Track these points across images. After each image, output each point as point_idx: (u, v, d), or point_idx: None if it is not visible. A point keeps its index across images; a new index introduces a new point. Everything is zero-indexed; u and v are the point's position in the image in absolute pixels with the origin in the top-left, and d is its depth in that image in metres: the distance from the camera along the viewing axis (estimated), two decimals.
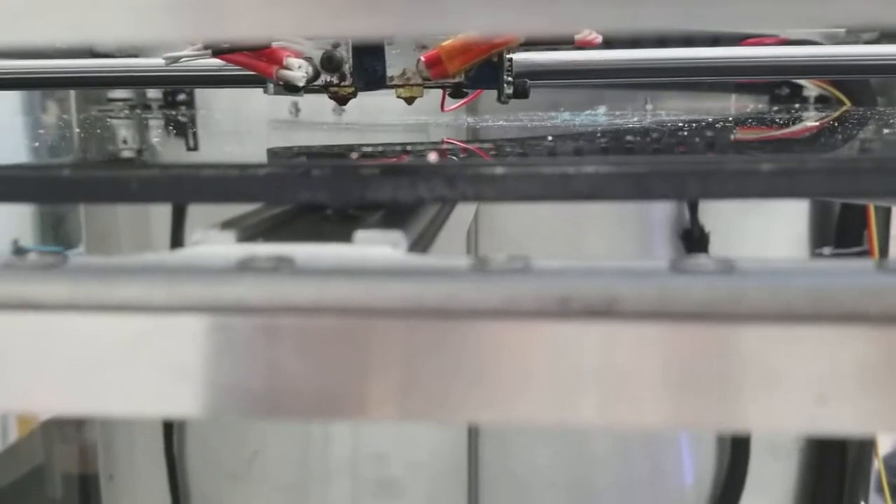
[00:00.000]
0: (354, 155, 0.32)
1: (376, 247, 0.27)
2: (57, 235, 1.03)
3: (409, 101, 0.46)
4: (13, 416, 0.97)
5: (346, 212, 0.33)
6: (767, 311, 0.21)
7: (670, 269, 0.22)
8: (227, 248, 0.27)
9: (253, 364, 0.22)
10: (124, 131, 0.61)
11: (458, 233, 0.39)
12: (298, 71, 0.42)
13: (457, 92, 0.48)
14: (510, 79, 0.47)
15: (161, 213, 0.79)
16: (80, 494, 1.04)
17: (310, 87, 0.44)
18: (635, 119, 0.59)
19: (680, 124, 0.49)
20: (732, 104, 0.84)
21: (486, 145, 0.44)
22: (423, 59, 0.43)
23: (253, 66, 0.43)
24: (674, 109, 0.79)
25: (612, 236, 0.86)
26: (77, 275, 0.23)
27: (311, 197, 0.27)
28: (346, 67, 0.44)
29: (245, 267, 0.24)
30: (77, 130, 0.61)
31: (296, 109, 0.78)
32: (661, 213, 0.84)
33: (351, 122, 0.75)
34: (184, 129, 0.65)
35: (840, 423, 0.21)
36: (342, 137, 0.70)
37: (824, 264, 0.23)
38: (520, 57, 0.49)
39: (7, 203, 0.29)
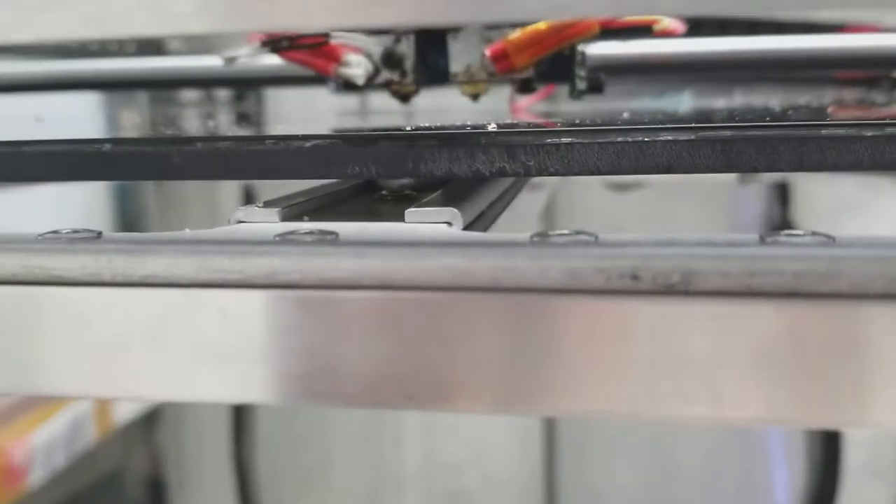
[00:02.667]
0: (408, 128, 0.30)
1: (428, 225, 0.25)
2: (130, 222, 1.04)
3: (475, 97, 0.44)
4: (90, 418, 0.98)
5: (402, 192, 0.31)
6: (873, 288, 0.18)
7: (759, 242, 0.19)
8: (268, 225, 0.25)
9: (288, 343, 0.20)
10: (194, 124, 0.60)
11: (523, 219, 0.37)
12: (358, 68, 0.41)
13: (525, 87, 0.45)
14: (583, 73, 0.44)
15: (231, 197, 0.79)
16: (150, 501, 1.04)
17: (371, 85, 0.42)
18: (722, 103, 0.56)
19: (770, 106, 0.45)
20: (827, 99, 0.79)
21: (556, 120, 0.41)
22: (488, 53, 0.40)
23: (312, 63, 0.41)
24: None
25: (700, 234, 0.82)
26: (105, 249, 0.21)
27: (360, 171, 0.25)
28: (408, 63, 0.42)
29: (284, 240, 0.22)
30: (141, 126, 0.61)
31: (363, 112, 0.76)
32: (751, 212, 0.80)
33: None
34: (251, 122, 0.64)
35: None
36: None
37: None
38: (594, 50, 0.46)
39: (47, 182, 0.27)
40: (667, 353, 0.19)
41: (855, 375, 0.18)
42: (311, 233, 0.22)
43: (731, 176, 0.65)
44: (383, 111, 0.77)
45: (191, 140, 0.27)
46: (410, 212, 0.25)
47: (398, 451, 0.88)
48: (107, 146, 0.27)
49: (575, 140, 0.24)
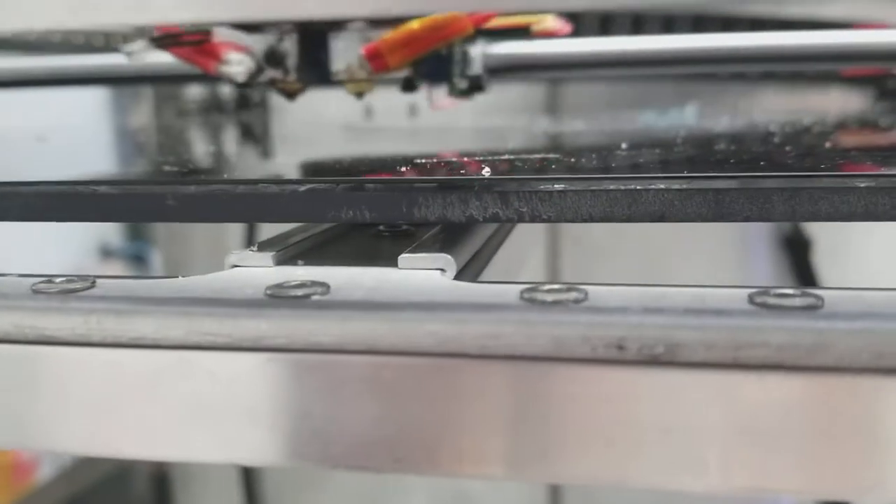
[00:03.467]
0: (402, 168, 0.30)
1: (421, 272, 0.25)
2: (141, 232, 1.05)
3: (359, 96, 0.45)
4: None
5: (399, 228, 0.31)
6: (858, 361, 0.18)
7: (748, 304, 0.19)
8: (262, 270, 0.25)
9: (276, 405, 0.20)
10: (198, 137, 0.60)
11: (522, 253, 0.37)
12: (239, 66, 0.41)
13: (408, 86, 0.45)
14: (474, 73, 0.44)
15: None
16: (156, 499, 1.05)
17: (254, 83, 0.43)
18: (724, 121, 0.55)
19: (771, 129, 0.45)
20: (835, 98, 0.79)
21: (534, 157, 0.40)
22: (363, 52, 0.41)
23: (195, 60, 0.41)
24: (768, 108, 0.74)
25: (709, 244, 0.82)
26: (96, 309, 0.21)
27: (354, 215, 0.25)
28: (291, 62, 0.42)
29: (273, 295, 0.22)
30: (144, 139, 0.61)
31: (368, 112, 0.76)
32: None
33: (420, 126, 0.73)
34: (256, 135, 0.64)
35: None
36: (408, 144, 0.68)
37: None
38: (489, 50, 0.45)
39: (46, 221, 0.27)
40: (652, 423, 0.19)
41: (840, 447, 0.18)
42: (302, 284, 0.22)
43: None
44: (387, 111, 0.77)
45: (185, 182, 0.27)
46: (404, 258, 0.25)
47: None
48: (102, 188, 0.27)
49: (568, 188, 0.24)
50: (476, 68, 0.44)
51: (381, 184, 0.26)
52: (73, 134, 0.57)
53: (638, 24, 0.80)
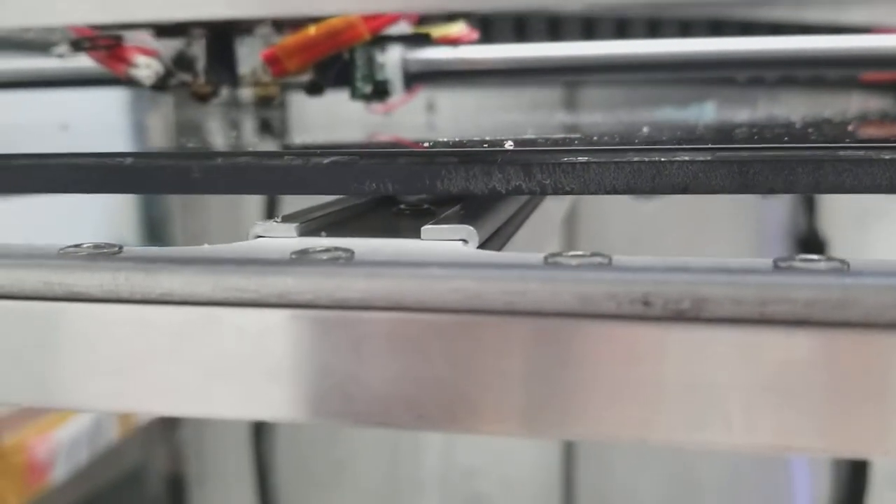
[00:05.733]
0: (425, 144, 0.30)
1: (444, 242, 0.25)
2: (157, 235, 1.06)
3: (265, 99, 0.46)
4: (113, 416, 0.99)
5: (420, 206, 0.31)
6: (886, 317, 0.18)
7: (772, 269, 0.19)
8: (285, 240, 0.25)
9: (301, 362, 0.20)
10: (218, 129, 0.60)
11: (543, 231, 0.37)
12: (147, 70, 0.42)
13: (314, 89, 0.46)
14: (381, 78, 0.45)
15: (254, 205, 0.79)
16: (171, 498, 1.06)
17: (165, 87, 0.44)
18: (745, 113, 0.55)
19: (791, 121, 0.45)
20: (854, 104, 0.79)
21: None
22: (261, 57, 0.42)
23: (108, 64, 0.43)
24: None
25: (723, 247, 0.82)
26: (123, 266, 0.21)
27: (377, 187, 0.25)
28: (199, 65, 0.43)
29: (299, 259, 0.22)
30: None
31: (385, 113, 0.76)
32: (776, 218, 0.79)
33: (437, 121, 0.73)
34: (275, 128, 0.64)
35: None
36: (428, 134, 0.68)
37: None
38: (428, 55, 0.46)
39: (69, 193, 0.28)
40: (677, 379, 0.19)
41: (868, 404, 0.18)
42: (326, 250, 0.23)
43: None
44: (404, 108, 0.77)
45: (211, 155, 0.27)
46: (426, 229, 0.25)
47: (416, 454, 0.89)
48: (128, 160, 0.27)
49: (591, 159, 0.25)
50: (385, 73, 0.45)
51: (404, 156, 0.26)
52: (94, 126, 0.57)
53: (654, 28, 0.81)
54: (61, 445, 0.95)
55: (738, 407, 0.18)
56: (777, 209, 0.81)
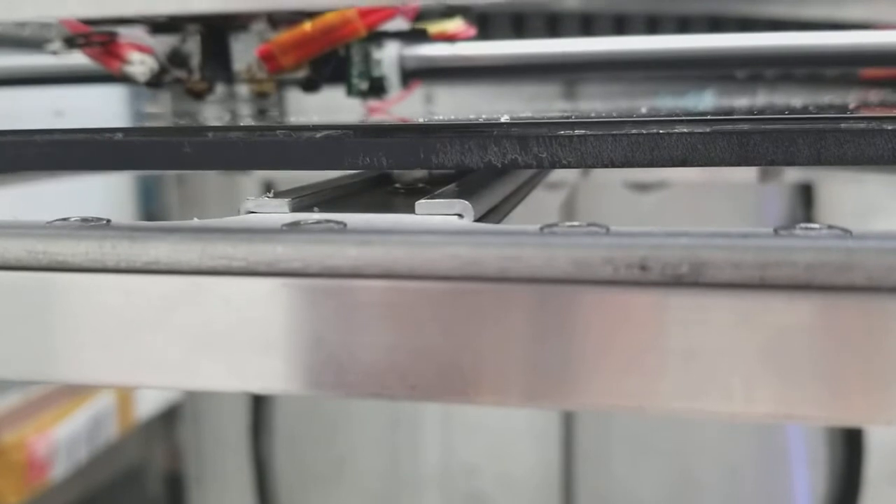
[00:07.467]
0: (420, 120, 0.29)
1: (438, 217, 0.24)
2: (152, 213, 1.05)
3: (262, 95, 0.45)
4: (112, 413, 0.99)
5: (415, 185, 0.30)
6: (889, 280, 0.17)
7: (773, 235, 0.19)
8: (277, 215, 0.25)
9: (291, 332, 0.20)
10: (214, 117, 0.60)
11: (538, 216, 0.36)
12: (141, 66, 0.41)
13: (309, 86, 0.45)
14: (377, 74, 0.45)
15: (252, 194, 0.79)
16: (169, 496, 1.05)
17: (160, 83, 0.43)
18: (743, 101, 0.54)
19: (791, 104, 0.44)
20: (853, 101, 0.78)
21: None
22: (256, 53, 0.41)
23: (102, 61, 0.42)
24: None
25: None
26: (109, 235, 0.21)
27: (371, 162, 0.25)
28: (194, 62, 0.43)
29: (289, 229, 0.21)
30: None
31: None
32: (775, 214, 0.79)
33: (436, 111, 0.73)
34: (272, 116, 0.64)
35: None
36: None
37: None
38: (426, 51, 0.45)
39: (59, 170, 0.27)
40: (676, 346, 0.18)
41: (869, 370, 0.17)
42: (318, 222, 0.22)
43: (753, 175, 0.64)
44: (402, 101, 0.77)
45: (202, 130, 0.27)
46: (421, 203, 0.25)
47: (415, 451, 0.88)
48: (118, 135, 0.27)
49: (588, 132, 0.24)
50: (381, 70, 0.45)
51: (398, 130, 0.26)
52: (89, 113, 0.57)
53: (653, 24, 0.80)
54: (60, 443, 0.94)
55: (738, 374, 0.18)
56: (776, 205, 0.80)
